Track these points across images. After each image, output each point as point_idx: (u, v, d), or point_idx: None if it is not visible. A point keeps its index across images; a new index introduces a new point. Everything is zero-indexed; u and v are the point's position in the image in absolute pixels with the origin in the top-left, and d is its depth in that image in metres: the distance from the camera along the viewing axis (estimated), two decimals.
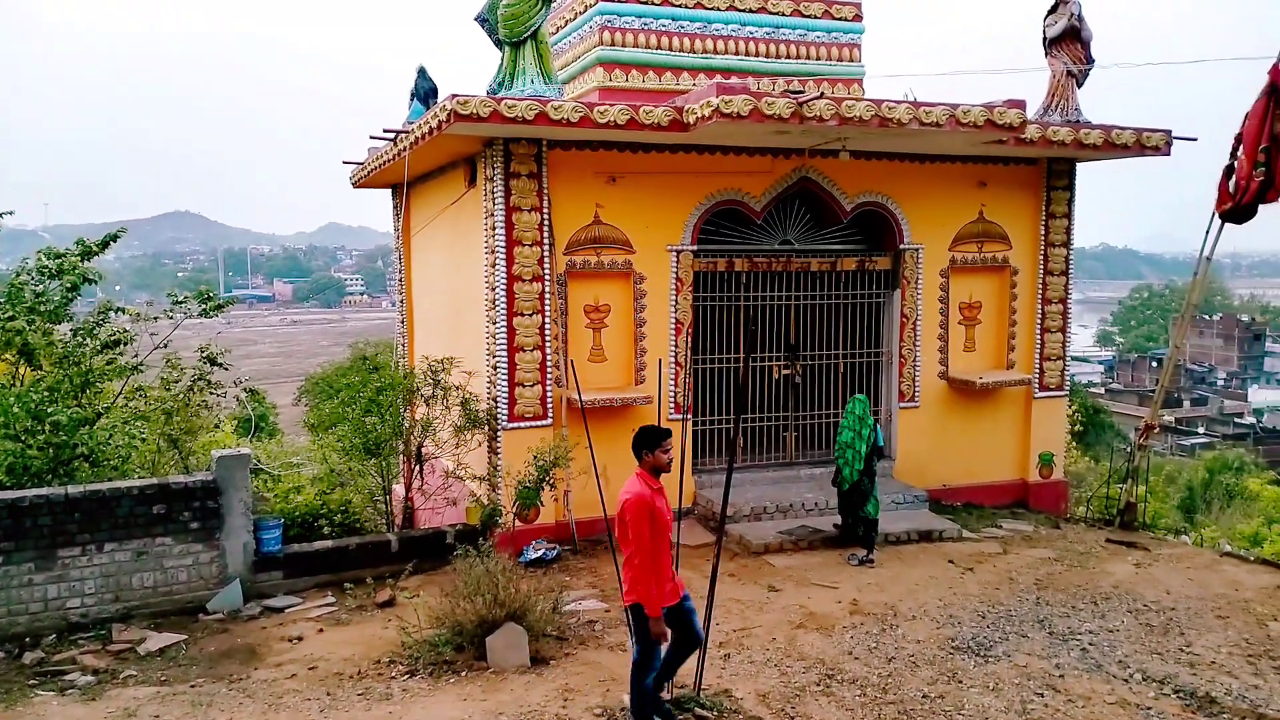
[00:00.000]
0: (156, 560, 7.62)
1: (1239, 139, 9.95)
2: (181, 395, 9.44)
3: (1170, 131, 10.66)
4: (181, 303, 9.66)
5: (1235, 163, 9.93)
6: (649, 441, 5.24)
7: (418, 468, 9.42)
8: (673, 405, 9.69)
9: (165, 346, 9.75)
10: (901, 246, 10.76)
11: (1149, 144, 10.55)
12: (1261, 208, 10.01)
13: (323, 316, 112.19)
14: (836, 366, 10.91)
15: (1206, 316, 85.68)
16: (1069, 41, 10.67)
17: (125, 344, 9.59)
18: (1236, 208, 9.94)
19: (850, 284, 10.88)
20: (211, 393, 9.82)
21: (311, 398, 26.22)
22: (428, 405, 9.10)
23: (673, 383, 9.78)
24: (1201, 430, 50.07)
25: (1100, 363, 77.94)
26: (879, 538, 8.91)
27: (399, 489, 10.24)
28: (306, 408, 26.68)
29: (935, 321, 11.00)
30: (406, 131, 9.85)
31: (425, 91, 12.08)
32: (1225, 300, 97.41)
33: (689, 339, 9.93)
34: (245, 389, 10.95)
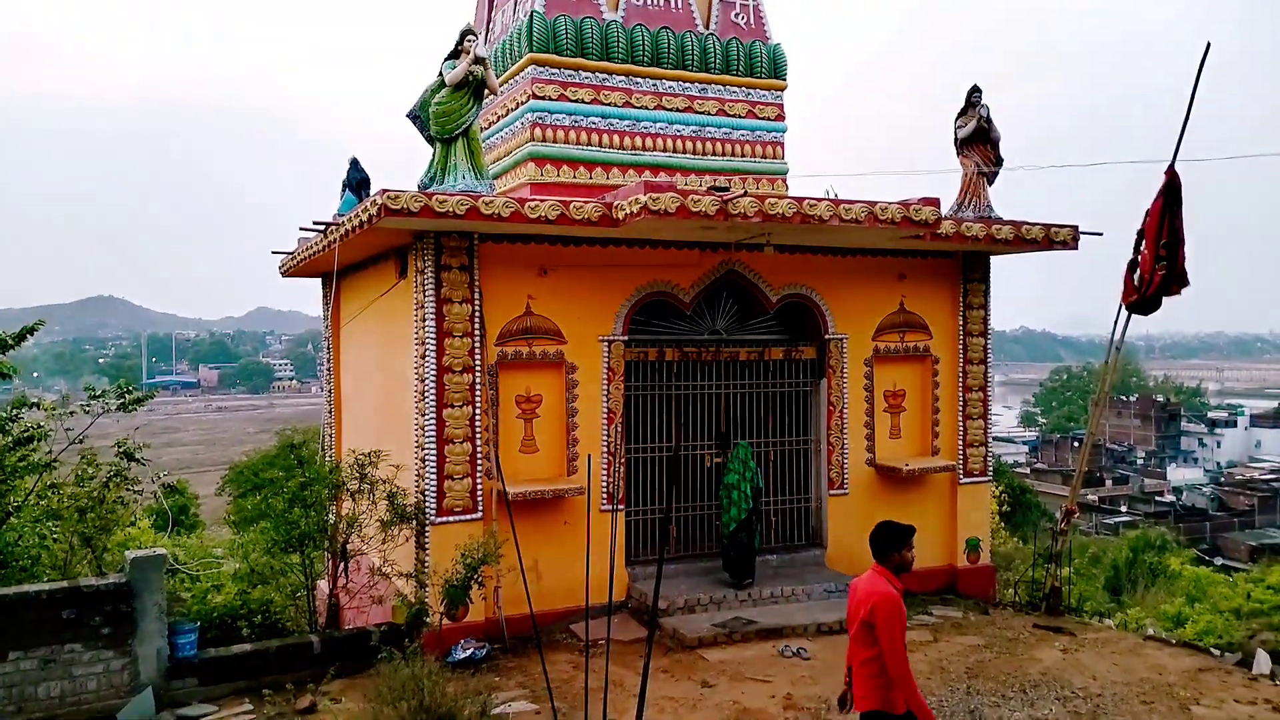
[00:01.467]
0: (64, 668, 7.26)
1: (1140, 234, 10.46)
2: (96, 491, 9.13)
3: (1077, 227, 11.19)
4: (99, 396, 9.41)
5: (1139, 257, 10.42)
6: (896, 540, 4.97)
7: (343, 565, 9.18)
8: (605, 496, 9.66)
9: (81, 442, 9.45)
10: (826, 337, 11.02)
11: (1057, 239, 11.06)
12: (1165, 299, 10.49)
13: (249, 403, 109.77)
14: (767, 455, 11.02)
15: (1124, 398, 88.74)
16: (978, 142, 11.21)
17: (39, 440, 9.27)
18: (1142, 300, 10.40)
19: (778, 373, 11.07)
20: (128, 488, 9.52)
21: (235, 488, 25.42)
22: (354, 500, 8.93)
23: (605, 473, 9.76)
24: (1124, 509, 51.31)
25: (1025, 443, 79.89)
26: (812, 626, 8.95)
27: (323, 585, 9.96)
28: (229, 499, 25.84)
29: (862, 409, 11.22)
30: (337, 224, 9.87)
31: (357, 182, 12.15)
32: (1141, 381, 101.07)
33: (621, 429, 9.96)
34: (163, 484, 10.60)
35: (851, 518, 11.04)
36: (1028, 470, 57.11)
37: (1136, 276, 10.48)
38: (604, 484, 9.72)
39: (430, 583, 8.77)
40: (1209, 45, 10.04)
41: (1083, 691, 7.82)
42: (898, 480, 11.25)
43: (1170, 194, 10.13)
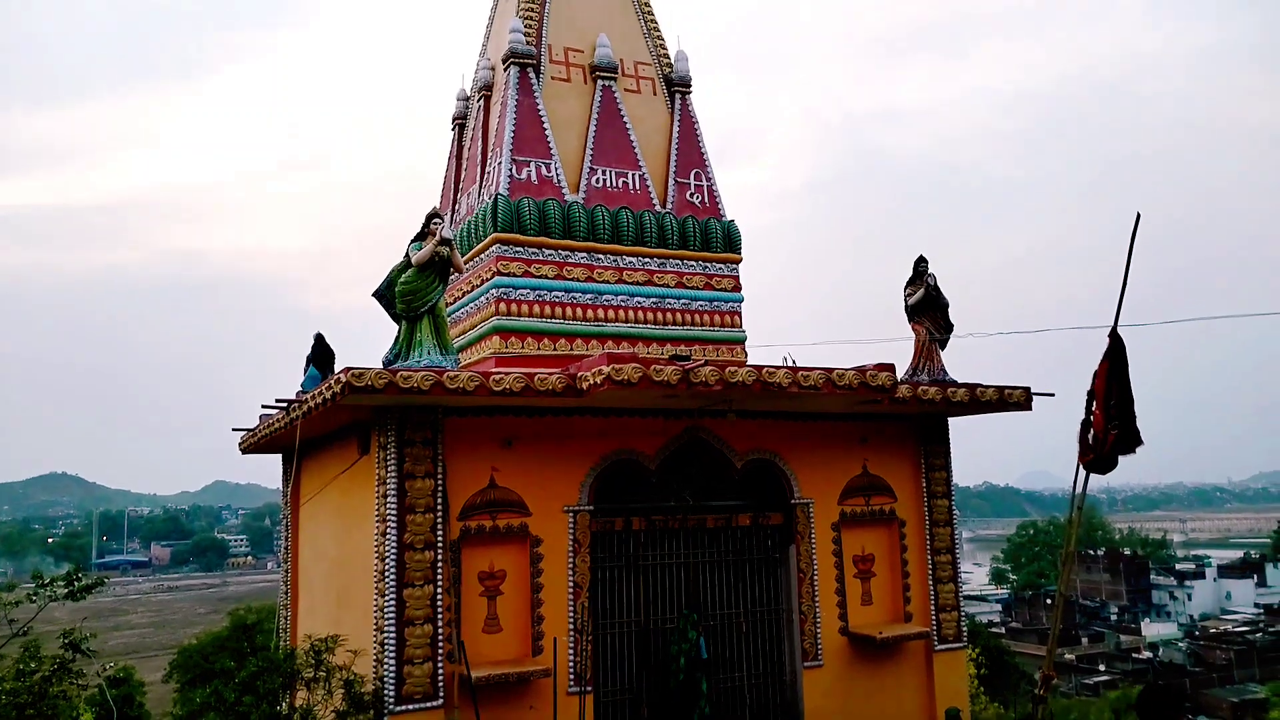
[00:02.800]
0: None
1: (1091, 395, 10.72)
2: (38, 687, 8.65)
3: (1029, 389, 11.48)
4: (46, 585, 9.06)
5: (1091, 418, 10.65)
6: (1171, 707, 4.42)
7: None
8: (572, 677, 9.33)
9: (25, 633, 9.03)
10: (793, 502, 11.01)
11: (1011, 400, 11.31)
12: (1121, 458, 10.67)
13: (202, 581, 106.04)
14: (739, 625, 10.78)
15: (1091, 552, 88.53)
16: (928, 309, 11.62)
17: None
18: (1098, 459, 10.56)
19: (747, 540, 10.97)
20: (72, 682, 9.04)
21: (182, 674, 24.35)
22: (309, 689, 8.53)
23: (572, 653, 9.46)
24: (1102, 668, 50.38)
25: (997, 601, 78.84)
26: None
27: None
28: (176, 688, 24.62)
29: (832, 576, 11.09)
30: (299, 401, 9.86)
31: (321, 357, 12.23)
32: (1107, 534, 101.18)
33: (588, 604, 9.73)
34: (108, 677, 10.08)
35: (827, 691, 10.72)
36: (1003, 630, 56.17)
37: (1091, 436, 10.69)
38: (570, 664, 9.41)
39: None
40: (1139, 216, 10.62)
41: None
42: (871, 649, 11.00)
43: (1115, 356, 10.47)
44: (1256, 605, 76.56)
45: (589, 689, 9.45)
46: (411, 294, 9.15)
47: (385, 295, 9.57)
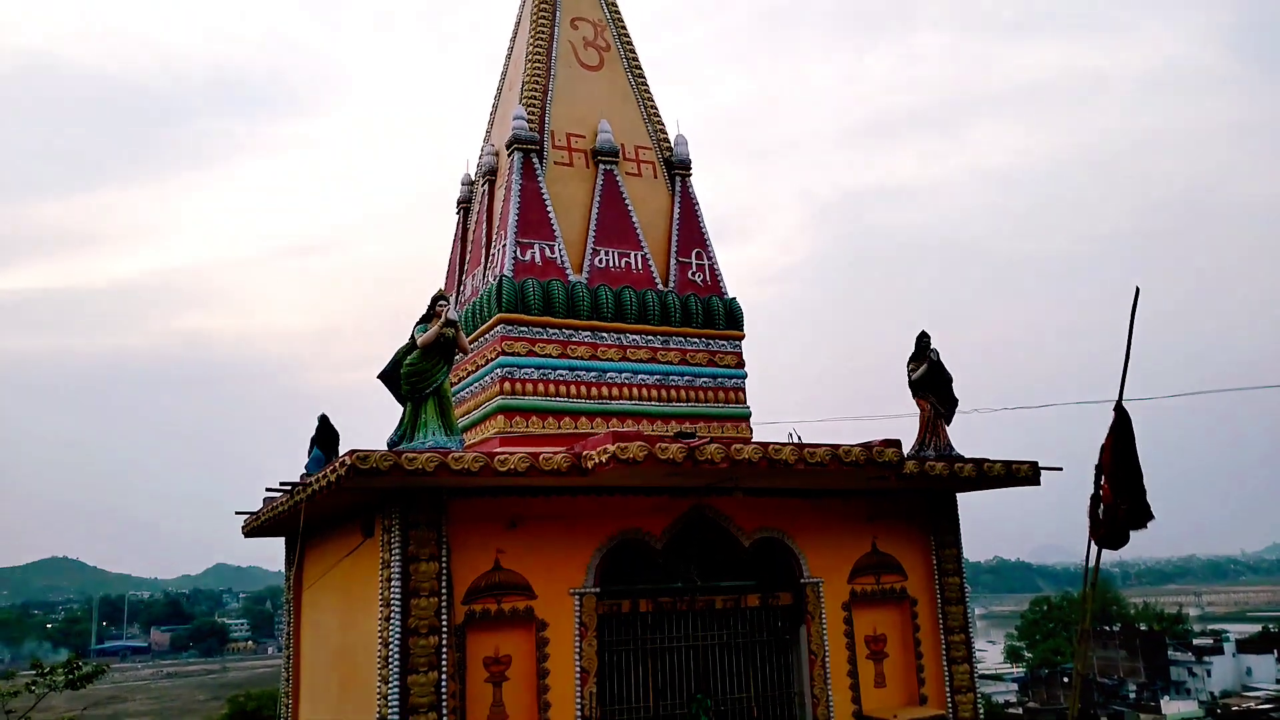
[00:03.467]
0: None
1: (1099, 469, 10.67)
2: None
3: (1036, 463, 11.41)
4: (45, 674, 8.93)
5: (1100, 492, 10.57)
6: None
7: None
8: None
9: None
10: (802, 581, 10.85)
11: (1019, 475, 11.24)
12: (1133, 532, 10.55)
13: (202, 667, 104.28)
14: (750, 710, 10.53)
15: (1107, 628, 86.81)
16: (932, 384, 11.62)
17: None
18: (1110, 534, 10.45)
19: (756, 621, 10.79)
20: None
21: None
22: None
23: None
24: None
25: (1013, 680, 77.07)
26: None
27: None
28: None
29: (844, 657, 10.88)
30: (303, 484, 9.82)
31: (326, 439, 12.24)
32: (1122, 609, 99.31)
33: (595, 690, 9.53)
34: None
35: None
36: (1021, 710, 54.81)
37: (1101, 511, 10.59)
38: None
39: None
40: (1138, 290, 10.69)
41: None
42: None
43: (1121, 430, 10.44)
44: (1279, 681, 74.75)
45: None
46: (417, 375, 9.19)
47: (391, 377, 9.62)
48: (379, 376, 9.89)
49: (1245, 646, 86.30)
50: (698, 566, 10.66)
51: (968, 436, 11.77)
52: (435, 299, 9.58)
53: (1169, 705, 66.58)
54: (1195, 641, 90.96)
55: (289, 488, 10.36)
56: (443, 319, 9.31)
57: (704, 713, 9.86)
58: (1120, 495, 10.21)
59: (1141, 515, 10.30)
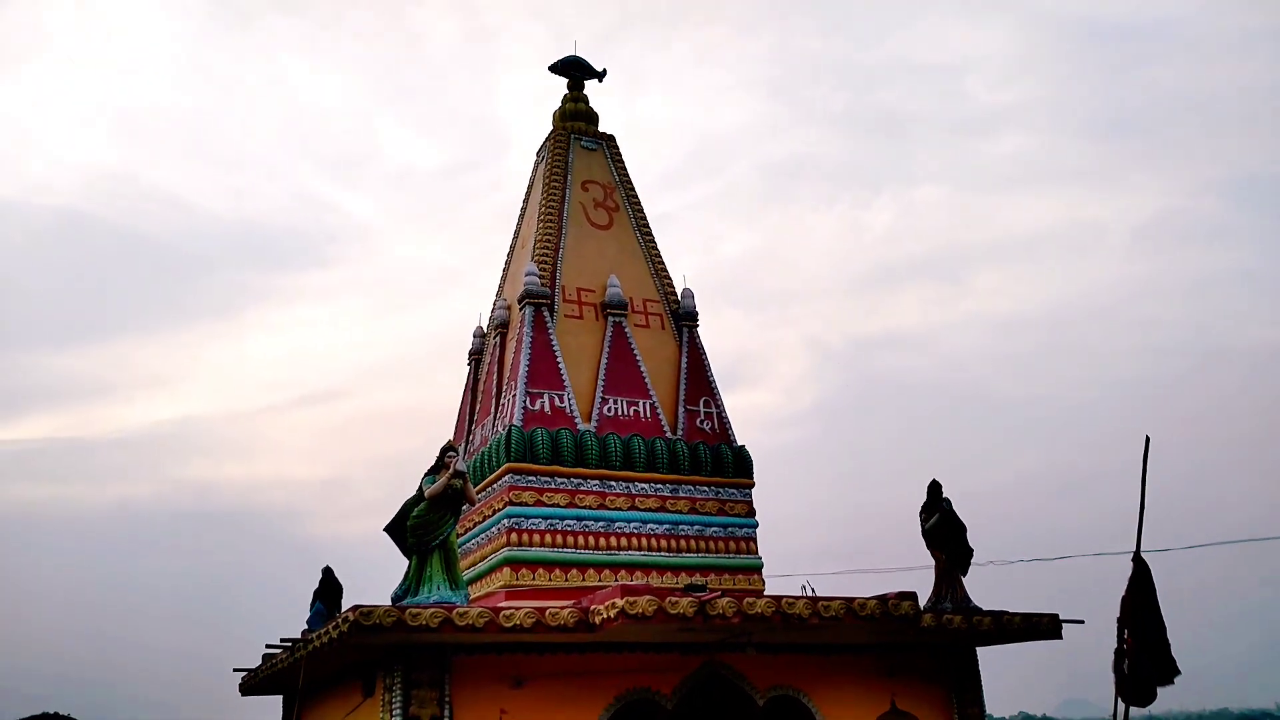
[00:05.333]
0: None
1: (1120, 623, 10.38)
2: None
3: (1057, 615, 11.13)
4: None
5: (1123, 646, 10.25)
6: None
7: None
8: None
9: None
10: None
11: (1039, 627, 10.94)
12: (1160, 690, 10.17)
13: None
14: None
15: None
16: (946, 535, 11.45)
17: None
18: (1136, 691, 10.08)
19: None
20: None
21: None
22: None
23: None
24: None
25: None
26: None
27: None
28: None
29: None
30: (304, 640, 9.60)
31: (329, 592, 12.04)
32: None
33: None
34: None
35: None
36: None
37: (1125, 665, 10.25)
38: None
39: None
40: (1148, 440, 10.66)
41: None
42: None
43: (1141, 582, 10.21)
44: None
45: None
46: (424, 528, 9.12)
47: (397, 529, 9.54)
48: (385, 529, 9.82)
49: None
50: None
51: (985, 587, 11.50)
52: (444, 450, 9.60)
53: None
54: None
55: (289, 644, 10.13)
56: (451, 470, 9.31)
57: None
58: (1144, 649, 9.90)
59: (1168, 671, 9.95)
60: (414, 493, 9.55)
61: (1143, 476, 10.53)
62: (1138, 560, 10.24)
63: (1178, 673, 9.99)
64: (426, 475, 9.54)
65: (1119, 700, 10.42)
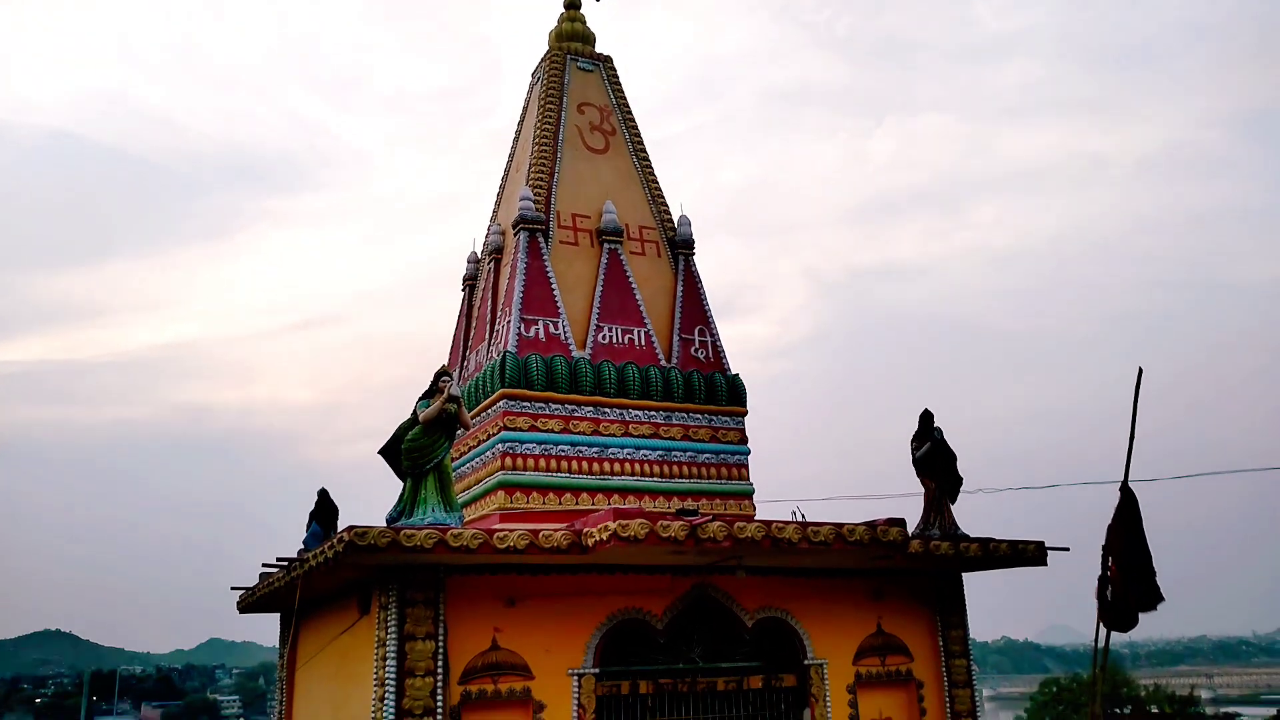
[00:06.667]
0: None
1: (1106, 551, 10.55)
2: None
3: (1043, 543, 11.30)
4: None
5: (1108, 573, 10.44)
6: None
7: None
8: None
9: None
10: (806, 662, 10.65)
11: (1025, 554, 11.11)
12: (1142, 614, 10.38)
13: None
14: None
15: (1117, 710, 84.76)
16: (937, 463, 11.56)
17: None
18: (1118, 616, 10.29)
19: (759, 704, 10.56)
20: None
21: None
22: None
23: None
24: None
25: None
26: None
27: None
28: None
29: None
30: (300, 560, 9.73)
31: (324, 514, 12.16)
32: (1132, 691, 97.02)
33: None
34: None
35: None
36: None
37: (1109, 592, 10.45)
38: None
39: None
40: (1141, 371, 10.70)
41: None
42: None
43: (1127, 510, 10.35)
44: None
45: None
46: (418, 451, 9.18)
47: (392, 452, 9.60)
48: (380, 452, 9.88)
49: None
50: (700, 647, 10.47)
51: (973, 516, 11.65)
52: (438, 375, 9.62)
53: None
54: None
55: (285, 563, 10.26)
56: (445, 395, 9.33)
57: None
58: (1128, 577, 10.09)
59: (1151, 597, 10.16)
60: (409, 417, 9.59)
61: (1134, 407, 10.60)
62: (1125, 490, 10.36)
63: (1161, 599, 10.20)
64: (421, 400, 9.58)
65: (1100, 625, 10.66)
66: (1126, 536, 10.20)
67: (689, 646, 10.42)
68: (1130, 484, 10.39)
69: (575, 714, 9.37)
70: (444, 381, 9.47)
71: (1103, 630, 10.63)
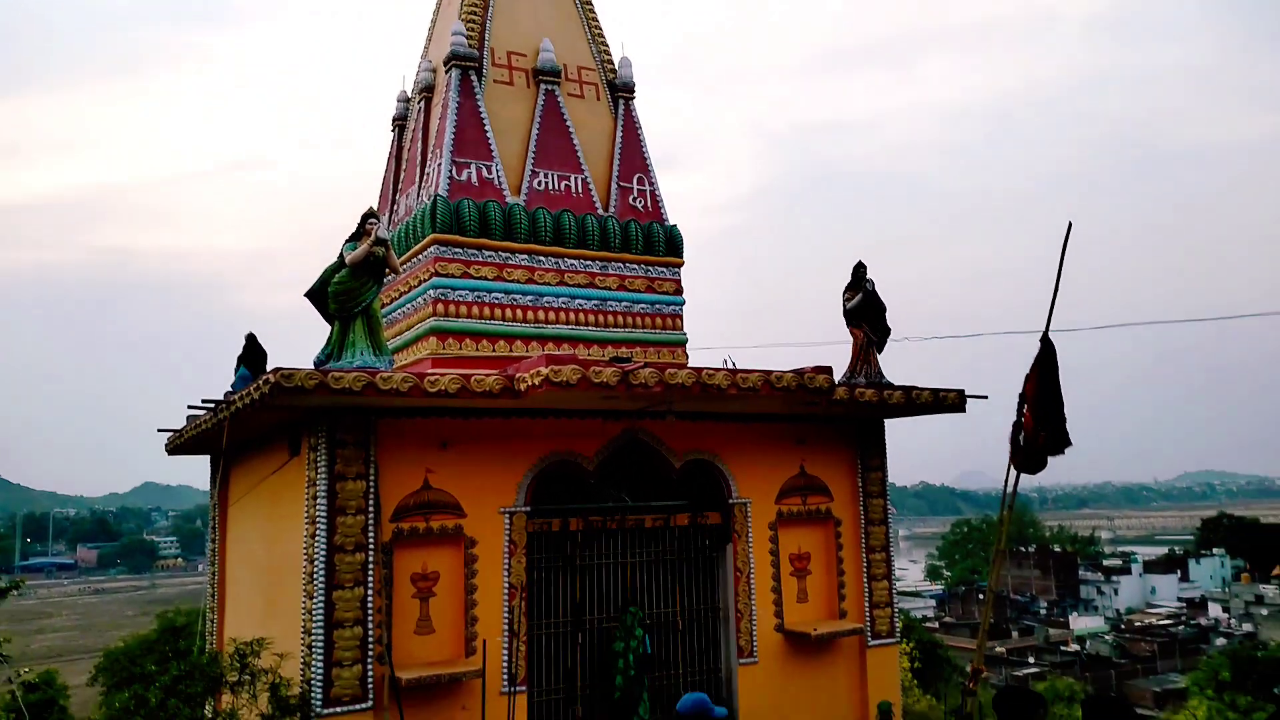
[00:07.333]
0: None
1: (1022, 398, 10.97)
2: None
3: (963, 391, 11.70)
4: None
5: (1022, 419, 10.88)
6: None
7: None
8: (505, 677, 9.29)
9: None
10: (731, 501, 11.08)
11: (945, 402, 11.52)
12: (1050, 458, 10.92)
13: (130, 584, 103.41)
14: (676, 624, 10.82)
15: (1023, 549, 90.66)
16: (867, 314, 11.77)
17: None
18: (1028, 459, 10.80)
19: (684, 540, 11.02)
20: None
21: (108, 677, 23.75)
22: (234, 693, 8.34)
23: (505, 653, 9.41)
24: (1031, 660, 51.58)
25: (932, 596, 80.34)
26: None
27: None
28: (102, 690, 24.01)
29: (768, 574, 11.19)
30: (227, 402, 9.65)
31: (253, 358, 12.00)
32: (1038, 532, 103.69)
33: (524, 605, 9.68)
34: (23, 682, 9.76)
35: (761, 688, 10.82)
36: (937, 624, 57.21)
37: (1021, 438, 10.93)
38: (504, 665, 9.35)
39: None
40: (1070, 225, 10.86)
41: None
42: (807, 645, 11.13)
43: (1046, 360, 10.71)
44: (1179, 599, 79.28)
45: (522, 689, 9.43)
46: (345, 294, 9.01)
47: (318, 295, 9.41)
48: (306, 295, 9.68)
49: (1151, 567, 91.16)
50: (629, 488, 10.79)
51: (901, 367, 12.01)
52: (365, 216, 9.35)
53: (1077, 621, 70.24)
54: (1105, 562, 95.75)
55: (213, 406, 10.18)
56: (373, 237, 9.10)
57: (639, 625, 10.10)
58: (1041, 423, 10.54)
59: (1060, 442, 10.65)
60: (335, 259, 9.36)
61: (1060, 259, 10.83)
62: (1045, 340, 10.71)
63: (1069, 444, 10.71)
64: (348, 242, 9.32)
65: (1011, 468, 11.21)
66: (1042, 385, 10.60)
67: (618, 487, 10.73)
68: (1051, 335, 10.73)
69: (506, 549, 9.67)
70: (371, 223, 9.22)
71: (1012, 473, 11.20)
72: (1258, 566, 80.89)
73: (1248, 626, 59.75)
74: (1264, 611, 62.79)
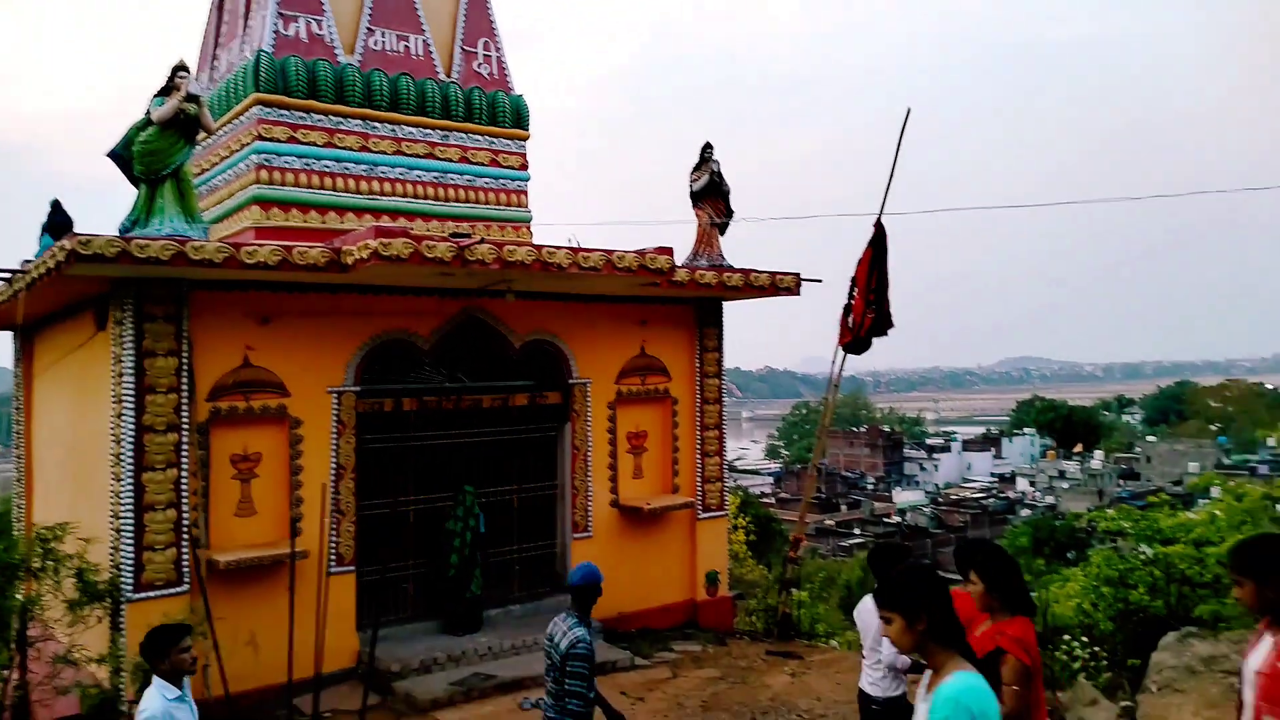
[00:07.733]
0: None
1: (853, 281, 11.32)
2: None
3: (799, 274, 11.96)
4: None
5: (851, 302, 11.26)
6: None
7: (20, 655, 8.07)
8: (334, 558, 9.16)
9: None
10: (571, 381, 11.09)
11: (782, 285, 11.76)
12: (875, 340, 11.38)
13: None
14: (512, 502, 10.89)
15: (854, 429, 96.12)
16: (711, 196, 11.77)
17: None
18: (855, 341, 11.23)
19: (523, 419, 11.00)
20: None
21: None
22: (37, 579, 7.90)
23: (334, 533, 9.25)
24: (857, 531, 55.24)
25: (769, 474, 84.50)
26: None
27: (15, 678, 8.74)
28: None
29: (605, 452, 11.35)
30: (22, 271, 8.84)
31: (58, 226, 10.99)
32: (869, 414, 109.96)
33: (353, 485, 9.49)
34: None
35: (594, 559, 10.96)
36: (773, 500, 60.28)
37: (850, 320, 11.33)
38: (332, 545, 9.21)
39: (125, 667, 7.87)
40: (909, 111, 11.06)
41: (808, 713, 8.21)
42: (640, 519, 11.44)
43: (878, 245, 11.04)
44: (992, 474, 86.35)
45: (350, 569, 9.34)
46: (152, 154, 8.27)
47: (123, 155, 8.63)
48: (109, 154, 8.89)
49: (969, 446, 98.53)
50: (467, 368, 10.61)
51: (745, 252, 12.11)
52: (174, 70, 8.53)
53: (900, 495, 75.62)
54: (929, 441, 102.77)
55: (6, 275, 9.32)
56: (182, 93, 8.34)
57: (475, 503, 10.10)
58: (868, 306, 10.93)
59: (883, 324, 11.11)
60: (142, 116, 8.56)
61: (897, 145, 11.07)
62: (878, 225, 11.01)
63: (891, 326, 11.18)
64: (156, 97, 8.52)
65: (838, 350, 11.65)
66: (874, 268, 10.95)
67: (456, 367, 10.54)
68: (884, 219, 11.03)
69: (334, 429, 9.40)
70: (180, 78, 8.42)
71: (840, 353, 11.64)
72: (1063, 444, 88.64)
73: (1050, 499, 65.66)
74: (1065, 485, 69.18)
